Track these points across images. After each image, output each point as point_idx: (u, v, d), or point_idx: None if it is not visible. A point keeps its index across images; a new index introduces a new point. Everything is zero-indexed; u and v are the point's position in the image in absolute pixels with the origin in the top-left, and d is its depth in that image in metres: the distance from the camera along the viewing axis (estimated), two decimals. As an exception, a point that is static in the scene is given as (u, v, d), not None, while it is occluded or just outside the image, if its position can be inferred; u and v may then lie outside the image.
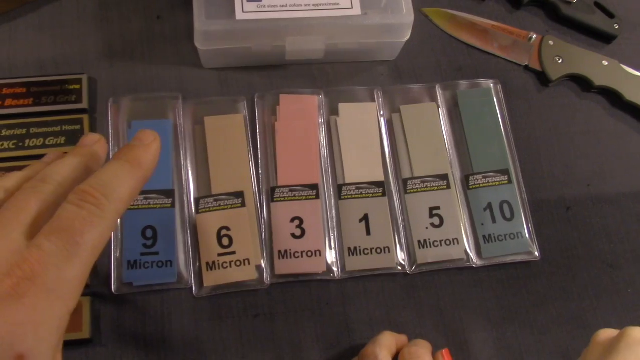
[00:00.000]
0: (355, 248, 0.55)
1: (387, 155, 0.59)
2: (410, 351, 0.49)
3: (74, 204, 0.30)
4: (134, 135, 0.55)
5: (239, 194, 0.55)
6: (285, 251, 0.55)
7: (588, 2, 0.67)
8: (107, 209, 0.31)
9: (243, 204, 0.55)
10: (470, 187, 0.59)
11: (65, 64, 0.60)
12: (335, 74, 0.63)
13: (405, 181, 0.58)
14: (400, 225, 0.57)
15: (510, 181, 0.59)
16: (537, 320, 0.56)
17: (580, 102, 0.65)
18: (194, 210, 0.55)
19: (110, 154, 0.56)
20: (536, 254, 0.57)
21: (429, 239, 0.56)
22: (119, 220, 0.33)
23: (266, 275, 0.54)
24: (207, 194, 0.55)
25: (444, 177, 0.58)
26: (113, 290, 0.52)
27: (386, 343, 0.49)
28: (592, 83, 0.64)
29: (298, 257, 0.54)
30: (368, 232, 0.56)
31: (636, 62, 0.66)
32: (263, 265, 0.54)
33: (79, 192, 0.31)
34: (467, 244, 0.57)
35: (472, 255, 0.57)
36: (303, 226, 0.55)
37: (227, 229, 0.54)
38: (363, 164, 0.58)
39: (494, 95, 0.63)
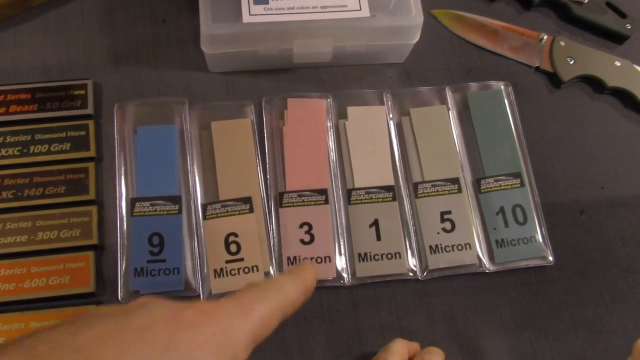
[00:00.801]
0: (365, 254, 0.54)
1: (397, 159, 0.58)
2: (423, 359, 0.48)
3: None
4: (139, 140, 0.56)
5: (247, 200, 0.54)
6: (295, 257, 0.54)
7: (599, 2, 0.66)
8: None
9: (251, 210, 0.54)
10: (482, 190, 0.58)
11: (70, 69, 0.59)
12: (344, 77, 0.62)
13: (415, 185, 0.57)
14: (411, 230, 0.56)
15: (522, 184, 0.58)
16: (551, 326, 0.55)
17: (592, 104, 0.64)
18: (201, 217, 0.54)
19: (116, 159, 0.55)
20: (550, 258, 0.56)
21: (441, 244, 0.55)
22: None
23: (275, 282, 0.53)
24: (214, 200, 0.55)
25: (455, 180, 0.58)
26: (120, 298, 0.51)
27: (398, 351, 0.49)
28: (604, 84, 0.63)
29: (307, 263, 0.54)
30: (378, 238, 0.55)
31: (649, 63, 0.65)
32: (272, 271, 0.53)
33: None
34: (480, 248, 0.56)
35: (485, 260, 0.56)
36: (312, 232, 0.55)
37: (235, 235, 0.53)
38: (372, 168, 0.57)
39: (504, 97, 0.62)
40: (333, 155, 0.58)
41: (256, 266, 0.53)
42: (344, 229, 0.55)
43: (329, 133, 0.59)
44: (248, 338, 0.33)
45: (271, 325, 0.35)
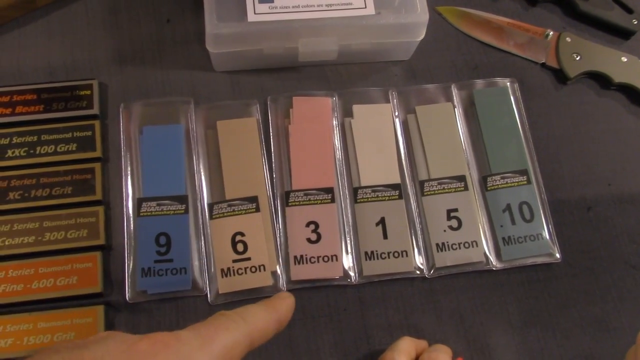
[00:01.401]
0: (372, 252, 0.54)
1: (403, 157, 0.58)
2: (430, 356, 0.48)
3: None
4: (145, 140, 0.56)
5: (253, 199, 0.54)
6: (301, 256, 0.54)
7: (605, -2, 0.66)
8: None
9: (257, 209, 0.54)
10: (489, 188, 0.58)
11: (76, 70, 0.59)
12: (349, 75, 0.62)
13: (422, 183, 0.57)
14: (418, 228, 0.56)
15: (529, 182, 0.58)
16: (559, 323, 0.55)
17: (599, 100, 0.64)
18: (207, 216, 0.54)
19: (123, 159, 0.55)
20: (557, 255, 0.56)
21: (447, 242, 0.55)
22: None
23: (282, 281, 0.53)
24: (220, 200, 0.55)
25: (462, 178, 0.57)
26: (127, 298, 0.52)
27: (405, 348, 0.48)
28: (611, 80, 0.63)
29: (314, 262, 0.54)
30: (385, 236, 0.55)
31: (656, 58, 0.65)
32: (279, 271, 0.53)
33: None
34: (486, 246, 0.56)
35: (492, 257, 0.56)
36: (319, 231, 0.54)
37: (242, 234, 0.53)
38: (379, 166, 0.57)
39: (510, 94, 0.62)
40: (339, 153, 0.58)
41: (263, 265, 0.53)
42: (351, 228, 0.55)
43: (335, 131, 0.58)
44: None
45: (236, 355, 0.34)
